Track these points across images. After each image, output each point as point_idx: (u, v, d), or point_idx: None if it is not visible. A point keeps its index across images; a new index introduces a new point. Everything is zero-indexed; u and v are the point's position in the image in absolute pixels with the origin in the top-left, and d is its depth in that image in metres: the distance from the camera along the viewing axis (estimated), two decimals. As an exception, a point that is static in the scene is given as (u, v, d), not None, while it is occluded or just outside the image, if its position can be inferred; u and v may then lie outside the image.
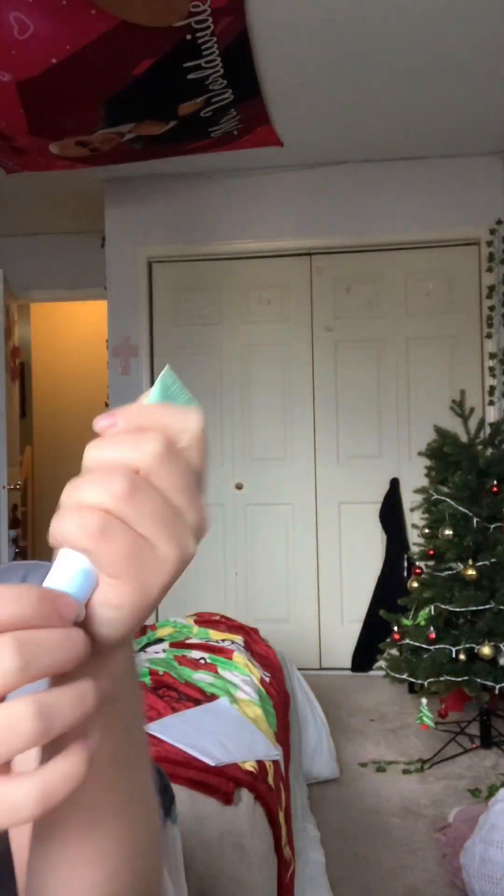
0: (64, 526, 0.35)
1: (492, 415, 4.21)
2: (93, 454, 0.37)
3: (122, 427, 0.37)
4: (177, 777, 1.56)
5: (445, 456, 3.23)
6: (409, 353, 4.40)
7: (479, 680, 2.86)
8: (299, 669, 2.95)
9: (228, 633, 2.71)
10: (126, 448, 0.36)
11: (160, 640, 2.58)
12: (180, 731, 1.81)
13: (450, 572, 3.09)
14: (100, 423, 0.38)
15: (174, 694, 2.08)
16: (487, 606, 2.97)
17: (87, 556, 0.35)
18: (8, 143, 3.59)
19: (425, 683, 2.91)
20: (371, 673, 4.11)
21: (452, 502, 3.11)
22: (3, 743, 0.31)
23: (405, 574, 3.93)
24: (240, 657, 2.41)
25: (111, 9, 2.58)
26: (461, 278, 4.37)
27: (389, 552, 4.32)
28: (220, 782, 1.61)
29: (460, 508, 3.09)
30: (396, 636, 3.10)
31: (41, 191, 4.50)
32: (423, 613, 3.03)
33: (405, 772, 2.90)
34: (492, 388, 4.25)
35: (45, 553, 6.32)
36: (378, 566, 4.34)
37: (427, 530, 3.22)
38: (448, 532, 3.05)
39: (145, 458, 0.36)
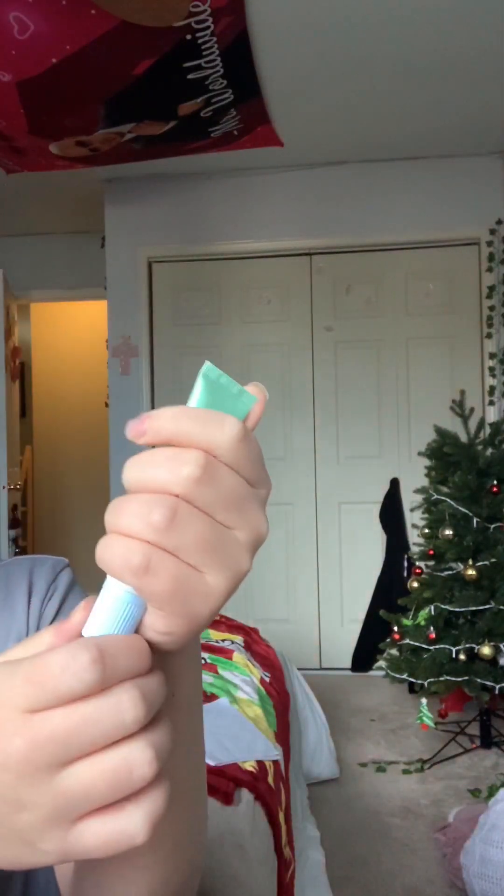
0: (108, 558, 0.35)
1: (492, 415, 4.21)
2: (130, 474, 0.36)
3: (149, 439, 0.36)
4: (177, 777, 1.55)
5: (445, 456, 3.23)
6: (409, 353, 4.40)
7: (479, 680, 2.86)
8: (299, 669, 2.95)
9: (228, 633, 2.71)
10: (162, 470, 0.35)
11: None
12: (180, 731, 1.80)
13: (450, 572, 3.09)
14: (128, 429, 0.36)
15: (174, 694, 2.07)
16: (487, 606, 2.97)
17: (132, 588, 0.35)
18: (8, 143, 3.59)
19: (425, 683, 2.91)
20: (371, 673, 4.11)
21: (452, 502, 3.11)
22: (125, 788, 0.33)
23: (405, 574, 3.93)
24: (240, 657, 2.41)
25: (111, 9, 2.58)
26: (461, 278, 4.37)
27: (389, 552, 4.32)
28: (220, 782, 1.61)
29: (460, 508, 3.09)
30: (396, 636, 3.10)
31: (41, 191, 4.50)
32: (423, 613, 3.03)
33: (405, 772, 2.90)
34: (492, 388, 4.25)
35: (44, 553, 6.31)
36: (378, 566, 4.34)
37: (427, 530, 3.22)
38: (448, 532, 3.05)
39: (182, 482, 0.34)
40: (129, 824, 0.33)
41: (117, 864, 0.45)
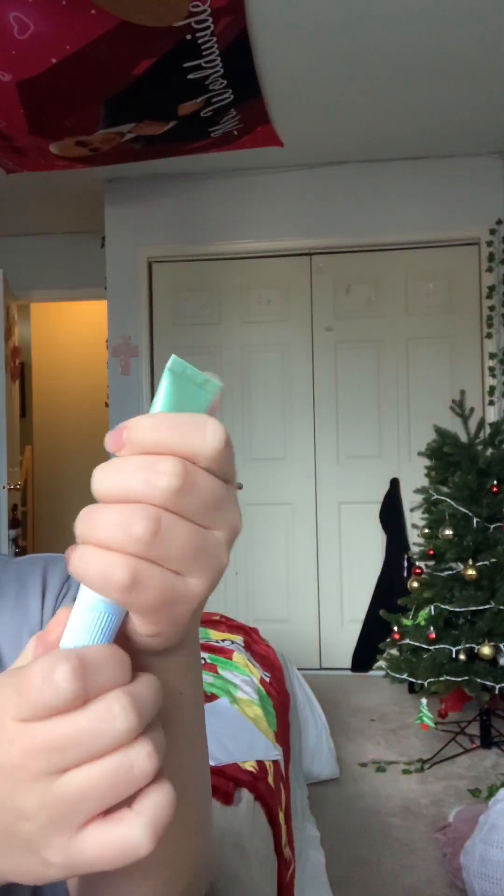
0: (88, 574, 0.33)
1: (492, 415, 4.21)
2: (103, 484, 0.34)
3: (129, 451, 0.34)
4: (177, 777, 1.55)
5: (445, 456, 3.23)
6: (409, 353, 4.40)
7: (479, 680, 2.86)
8: (299, 669, 2.95)
9: (228, 633, 2.71)
10: (139, 481, 0.33)
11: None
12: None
13: (450, 572, 3.09)
14: (107, 441, 0.34)
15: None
16: (487, 606, 2.97)
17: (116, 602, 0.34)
18: (8, 143, 3.59)
19: (425, 683, 2.91)
20: (371, 673, 4.11)
21: (452, 502, 3.11)
22: (126, 787, 0.33)
23: (405, 574, 3.93)
24: (240, 657, 2.41)
25: (111, 9, 2.58)
26: (461, 278, 4.37)
27: (389, 552, 4.32)
28: (220, 782, 1.61)
29: (460, 508, 3.09)
30: (396, 636, 3.10)
31: (41, 191, 4.50)
32: (423, 613, 3.03)
33: (405, 772, 2.90)
34: (492, 388, 4.25)
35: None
36: (378, 566, 4.34)
37: (427, 530, 3.22)
38: (448, 532, 3.05)
39: (162, 494, 0.33)
40: (132, 834, 0.33)
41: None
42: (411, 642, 3.01)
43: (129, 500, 0.33)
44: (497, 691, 2.89)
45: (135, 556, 0.33)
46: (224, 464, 0.35)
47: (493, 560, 2.99)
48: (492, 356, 4.26)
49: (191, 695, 0.44)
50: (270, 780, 1.77)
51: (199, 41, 2.83)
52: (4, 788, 0.33)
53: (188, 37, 2.79)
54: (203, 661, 2.33)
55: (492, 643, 2.87)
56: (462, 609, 2.97)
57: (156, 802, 0.34)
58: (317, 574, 4.44)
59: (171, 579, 0.34)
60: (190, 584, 0.35)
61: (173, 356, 0.36)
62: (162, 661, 0.39)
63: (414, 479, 3.92)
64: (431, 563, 3.20)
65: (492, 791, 2.62)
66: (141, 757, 0.33)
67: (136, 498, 0.33)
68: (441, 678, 2.88)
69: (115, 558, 0.33)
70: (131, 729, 0.32)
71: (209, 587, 0.36)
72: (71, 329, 6.55)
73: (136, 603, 0.34)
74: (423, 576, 3.18)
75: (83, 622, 0.34)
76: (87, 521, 0.34)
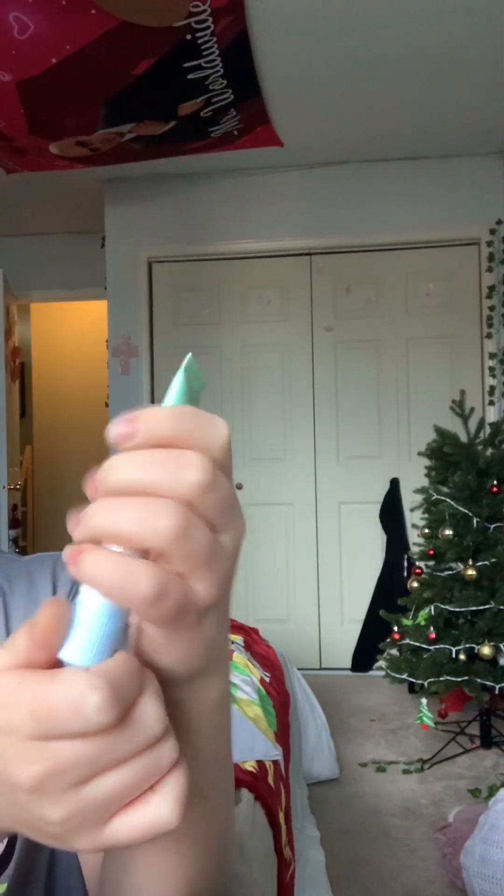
0: (105, 581, 0.30)
1: (492, 415, 4.21)
2: (123, 475, 0.31)
3: (142, 441, 0.32)
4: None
5: (445, 456, 3.23)
6: (409, 353, 4.40)
7: (479, 680, 2.86)
8: (299, 669, 2.95)
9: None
10: (167, 474, 0.31)
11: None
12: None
13: (450, 572, 3.09)
14: (115, 431, 0.32)
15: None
16: (487, 606, 2.97)
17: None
18: (8, 143, 3.59)
19: (425, 683, 2.91)
20: (371, 673, 4.11)
21: (452, 502, 3.11)
22: (153, 780, 0.33)
23: (405, 574, 3.93)
24: (240, 657, 2.41)
25: (111, 9, 2.58)
26: (461, 278, 4.37)
27: (389, 552, 4.32)
28: (220, 782, 1.61)
29: (460, 508, 3.09)
30: (396, 636, 3.10)
31: (41, 191, 4.50)
32: (423, 613, 3.03)
33: (405, 772, 2.90)
34: (492, 388, 4.25)
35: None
36: (378, 566, 4.34)
37: (427, 530, 3.22)
38: (448, 532, 3.05)
39: (189, 489, 0.31)
40: (160, 815, 0.33)
41: (144, 868, 0.45)
42: (411, 642, 3.01)
43: (151, 494, 0.31)
44: (497, 691, 2.89)
45: (150, 551, 0.31)
46: (229, 463, 0.34)
47: (493, 560, 2.99)
48: (492, 356, 4.26)
49: (222, 694, 0.43)
50: (270, 780, 1.77)
51: (199, 41, 2.84)
52: (29, 801, 0.32)
53: (188, 37, 2.79)
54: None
55: (492, 643, 2.87)
56: (462, 609, 2.97)
57: (176, 781, 0.33)
58: (317, 574, 4.44)
59: (187, 587, 0.32)
60: (198, 591, 0.33)
61: (190, 355, 0.35)
62: (194, 686, 0.38)
63: (414, 479, 3.92)
64: (431, 563, 3.20)
65: (492, 791, 2.62)
66: (166, 750, 0.33)
67: (160, 492, 0.31)
68: (441, 678, 2.88)
69: (139, 564, 0.30)
70: (163, 732, 0.32)
71: (217, 596, 0.33)
72: (71, 329, 6.54)
73: (156, 615, 0.31)
74: (423, 576, 3.18)
75: (90, 630, 0.32)
76: (104, 516, 0.31)
